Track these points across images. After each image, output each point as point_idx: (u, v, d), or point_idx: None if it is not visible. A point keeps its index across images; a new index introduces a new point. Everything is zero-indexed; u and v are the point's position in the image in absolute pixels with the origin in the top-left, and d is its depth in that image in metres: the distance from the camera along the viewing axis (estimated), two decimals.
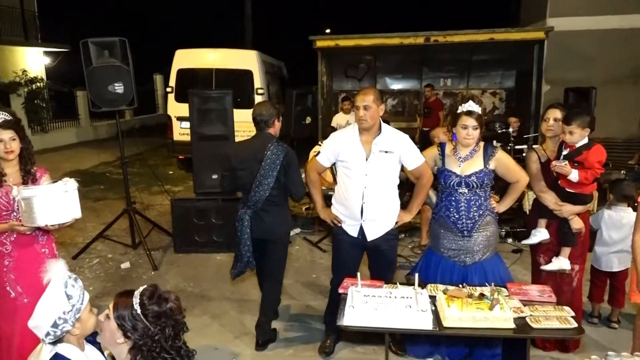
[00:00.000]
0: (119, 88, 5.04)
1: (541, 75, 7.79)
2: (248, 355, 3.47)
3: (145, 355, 1.74)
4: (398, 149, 3.17)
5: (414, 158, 3.20)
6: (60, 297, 1.87)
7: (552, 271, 3.32)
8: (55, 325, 1.84)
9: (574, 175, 3.04)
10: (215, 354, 3.49)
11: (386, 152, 3.14)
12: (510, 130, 6.63)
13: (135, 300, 1.78)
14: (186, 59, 9.59)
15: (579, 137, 3.08)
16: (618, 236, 3.71)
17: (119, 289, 4.54)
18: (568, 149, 3.12)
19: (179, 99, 9.08)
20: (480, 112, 2.99)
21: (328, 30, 23.04)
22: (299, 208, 7.18)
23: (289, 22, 25.21)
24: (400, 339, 3.43)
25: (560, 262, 3.29)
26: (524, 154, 6.19)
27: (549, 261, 3.34)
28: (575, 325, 2.55)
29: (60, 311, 1.85)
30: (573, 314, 2.66)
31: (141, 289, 1.82)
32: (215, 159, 5.43)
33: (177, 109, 9.25)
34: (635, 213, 3.76)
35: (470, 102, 3.01)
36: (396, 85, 10.42)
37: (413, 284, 2.74)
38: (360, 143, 3.15)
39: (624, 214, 3.75)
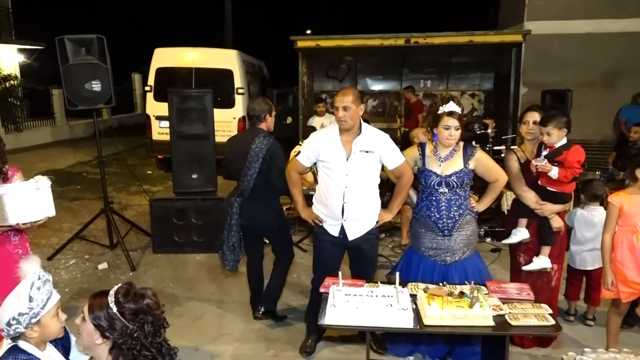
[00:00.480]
0: (96, 86, 4.95)
1: (519, 77, 7.91)
2: (228, 357, 3.43)
3: (126, 354, 1.71)
4: (378, 149, 3.17)
5: (394, 158, 3.21)
6: (23, 297, 1.84)
7: (533, 271, 3.35)
8: (8, 324, 1.82)
9: (554, 172, 3.09)
10: (195, 355, 3.45)
11: (367, 151, 3.14)
12: (489, 131, 6.71)
13: (111, 299, 1.75)
14: (165, 57, 9.49)
15: (556, 137, 3.14)
16: (590, 235, 3.79)
17: (96, 290, 4.47)
18: (548, 149, 3.18)
19: (158, 98, 8.98)
20: (460, 113, 3.03)
21: (309, 31, 23.04)
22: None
23: (270, 22, 25.17)
24: (381, 338, 3.44)
25: (541, 261, 3.34)
26: (502, 155, 6.30)
27: (529, 261, 3.38)
28: (553, 322, 2.59)
29: (16, 312, 1.82)
30: (551, 311, 2.70)
31: (116, 287, 1.79)
32: (195, 158, 5.39)
33: (156, 108, 9.14)
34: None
35: (451, 102, 3.05)
36: (377, 86, 10.46)
37: (394, 283, 2.74)
38: (340, 143, 3.14)
39: (595, 213, 3.83)
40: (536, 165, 3.12)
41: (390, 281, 3.04)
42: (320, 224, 3.28)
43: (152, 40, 11.60)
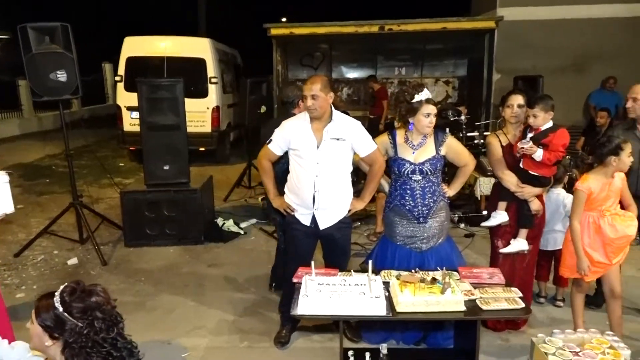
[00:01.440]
0: (61, 76, 4.79)
1: (492, 64, 7.97)
2: (201, 349, 3.39)
3: (78, 353, 1.66)
4: (350, 136, 3.15)
5: (366, 145, 3.18)
6: None
7: (510, 253, 3.39)
8: None
9: (539, 154, 3.11)
10: (168, 349, 3.40)
11: (338, 139, 3.11)
12: (462, 117, 6.75)
13: (56, 299, 1.70)
14: (136, 46, 9.28)
15: (542, 120, 3.16)
16: (549, 216, 3.84)
17: None
18: (533, 132, 3.20)
19: (129, 88, 8.79)
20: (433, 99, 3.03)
21: (284, 19, 22.79)
22: (255, 198, 7.13)
23: (245, 10, 24.77)
24: (355, 326, 3.44)
25: (519, 244, 3.37)
26: (475, 141, 6.35)
27: (506, 244, 3.41)
28: (523, 305, 2.62)
29: None
30: (521, 294, 2.73)
31: (61, 287, 1.74)
32: (167, 149, 5.29)
33: (126, 98, 8.94)
34: (566, 194, 3.93)
35: (426, 90, 3.03)
36: (352, 74, 10.43)
37: (367, 271, 2.74)
38: (311, 131, 3.10)
39: (553, 196, 3.91)
40: (522, 148, 3.12)
41: (364, 270, 3.03)
42: (292, 213, 3.24)
43: (124, 28, 11.33)
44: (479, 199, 6.02)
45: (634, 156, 3.49)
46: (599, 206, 3.08)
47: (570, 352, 2.54)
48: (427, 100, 3.03)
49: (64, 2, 21.70)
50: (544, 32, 8.99)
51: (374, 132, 3.64)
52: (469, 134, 6.58)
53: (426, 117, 3.02)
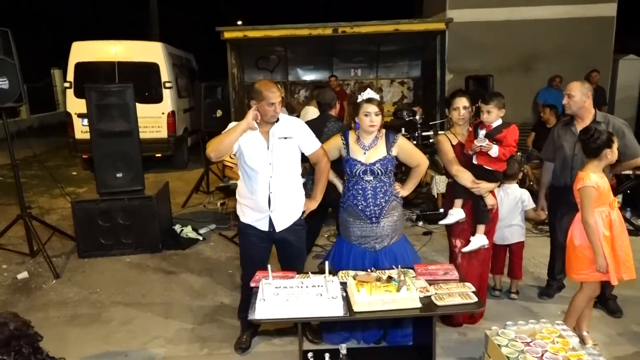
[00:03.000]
0: (2, 83, 4.59)
1: (444, 64, 8.17)
2: None
3: None
4: (296, 134, 3.17)
5: (311, 143, 3.21)
6: None
7: (472, 251, 3.45)
8: None
9: (494, 150, 3.19)
10: None
11: (285, 138, 3.12)
12: (417, 117, 6.87)
13: None
14: (85, 51, 9.00)
15: (495, 117, 3.24)
16: (507, 211, 3.97)
17: (16, 301, 4.20)
18: (485, 129, 3.27)
19: (79, 94, 8.51)
20: (379, 99, 3.06)
21: (240, 22, 22.62)
22: (213, 204, 7.04)
23: (199, 13, 24.45)
24: (316, 328, 3.45)
25: (479, 240, 3.43)
26: (431, 140, 6.49)
27: (465, 242, 3.48)
28: (476, 299, 2.69)
29: None
30: (474, 289, 2.80)
31: None
32: (119, 156, 5.16)
33: (77, 105, 8.65)
34: (521, 190, 4.07)
35: (369, 89, 3.08)
36: (308, 76, 10.48)
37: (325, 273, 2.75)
38: (259, 133, 3.10)
39: (510, 191, 4.02)
40: (480, 146, 3.19)
41: (322, 271, 3.04)
42: (258, 121, 3.06)
43: (73, 33, 10.94)
44: (436, 197, 6.15)
45: (569, 150, 3.67)
46: (607, 199, 3.06)
47: (522, 342, 2.62)
48: (367, 100, 3.06)
49: (6, 6, 20.80)
50: (491, 33, 9.27)
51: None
52: (424, 134, 6.71)
53: (366, 117, 3.06)
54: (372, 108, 3.04)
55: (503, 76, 8.76)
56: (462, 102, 3.42)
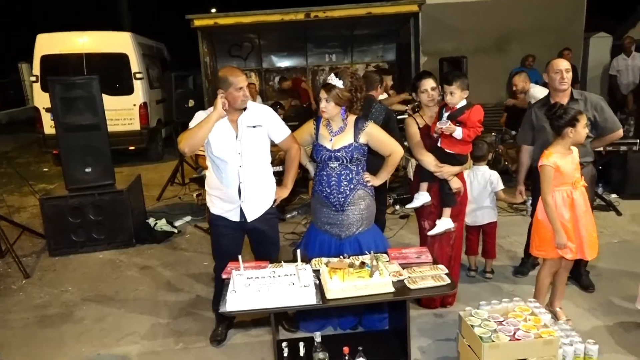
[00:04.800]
0: None
1: (418, 47, 8.13)
2: (133, 357, 3.25)
3: None
4: (266, 123, 3.10)
5: (280, 131, 3.16)
6: None
7: (438, 234, 3.44)
8: None
9: (458, 132, 3.15)
10: None
11: (254, 126, 3.05)
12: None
13: None
14: (51, 44, 8.74)
15: (458, 98, 3.20)
16: (477, 193, 3.97)
17: None
18: (449, 111, 3.24)
19: (46, 88, 8.22)
20: (340, 86, 2.94)
21: (214, 10, 22.21)
22: (189, 195, 6.94)
23: (170, 1, 23.91)
24: (292, 317, 3.42)
25: (444, 223, 3.41)
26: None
27: (433, 225, 3.47)
28: (449, 281, 2.67)
29: None
30: (447, 271, 2.78)
31: None
32: (87, 151, 5.04)
33: (44, 99, 8.35)
34: (490, 171, 4.07)
35: (332, 75, 2.99)
36: (282, 63, 10.33)
37: (302, 261, 2.71)
38: (227, 122, 3.02)
39: (479, 173, 4.02)
40: (441, 128, 3.15)
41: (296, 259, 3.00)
42: (225, 105, 2.97)
43: (41, 25, 10.60)
44: (412, 180, 6.14)
45: (549, 130, 3.65)
46: (570, 179, 3.07)
47: (495, 322, 2.63)
48: (323, 86, 3.01)
49: None
50: (464, 14, 9.23)
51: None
52: (399, 117, 6.68)
53: (320, 102, 3.01)
54: (323, 94, 2.97)
55: (477, 57, 8.75)
56: (429, 83, 3.38)
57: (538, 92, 5.36)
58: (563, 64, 3.56)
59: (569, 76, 3.53)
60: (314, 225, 3.26)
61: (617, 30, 12.21)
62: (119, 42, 8.95)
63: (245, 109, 3.05)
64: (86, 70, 8.41)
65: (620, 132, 3.68)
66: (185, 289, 4.19)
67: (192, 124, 3.04)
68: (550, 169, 3.03)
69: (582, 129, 3.03)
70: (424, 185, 3.45)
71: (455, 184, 3.39)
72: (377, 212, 3.43)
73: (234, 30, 8.57)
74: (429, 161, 3.33)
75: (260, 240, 3.26)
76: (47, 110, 8.45)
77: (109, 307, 3.95)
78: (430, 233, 3.46)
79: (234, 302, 2.53)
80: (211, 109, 3.05)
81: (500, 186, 4.00)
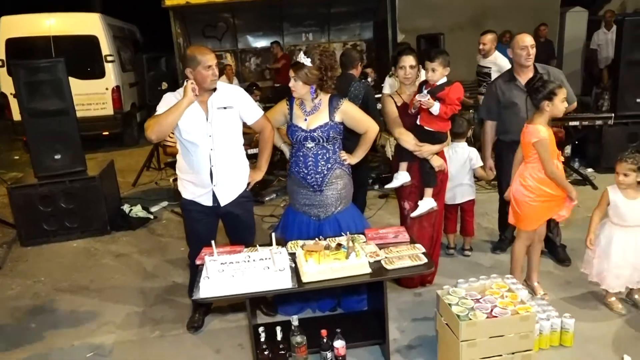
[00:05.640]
0: None
1: (395, 24, 8.06)
2: (108, 346, 3.17)
3: None
4: (237, 104, 3.01)
5: (252, 112, 3.08)
6: None
7: (422, 214, 3.39)
8: None
9: (436, 107, 3.08)
10: (71, 351, 3.15)
11: (225, 108, 2.96)
12: (369, 80, 6.75)
13: None
14: (16, 26, 8.42)
15: (439, 75, 3.14)
16: (456, 170, 3.94)
17: None
18: (429, 88, 3.17)
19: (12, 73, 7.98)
20: (308, 64, 2.87)
21: None
22: (166, 180, 6.80)
23: None
24: (270, 301, 3.37)
25: (427, 203, 3.36)
26: None
27: (413, 205, 3.42)
28: (426, 260, 2.65)
29: None
30: (424, 250, 2.76)
31: None
32: (56, 137, 4.87)
33: (12, 85, 8.09)
34: (470, 148, 4.04)
35: (301, 54, 2.91)
36: (258, 43, 10.16)
37: (278, 244, 2.66)
38: (197, 104, 2.91)
39: (458, 150, 3.99)
40: (420, 101, 3.09)
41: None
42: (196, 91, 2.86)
43: (5, 7, 10.19)
44: (391, 159, 6.10)
45: (522, 106, 3.63)
46: (554, 151, 3.07)
47: (472, 300, 2.62)
48: (293, 65, 2.95)
49: None
50: None
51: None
52: (376, 96, 6.61)
53: (290, 82, 2.95)
54: (292, 73, 2.92)
55: (454, 34, 8.68)
56: (409, 60, 3.29)
57: (503, 61, 5.34)
58: (528, 40, 3.56)
59: (533, 52, 3.55)
60: (292, 207, 3.20)
61: (592, 5, 12.23)
62: (88, 24, 8.66)
63: (215, 89, 2.95)
64: (54, 54, 8.12)
65: (574, 105, 3.74)
66: (161, 275, 4.12)
67: (160, 108, 2.93)
68: (547, 141, 3.01)
69: (559, 103, 3.01)
70: (404, 165, 3.39)
71: (435, 162, 3.33)
72: (357, 192, 3.39)
73: (207, 9, 8.38)
74: (408, 140, 3.27)
75: (234, 225, 3.19)
76: (15, 95, 8.18)
77: (83, 296, 3.85)
78: (413, 215, 3.40)
79: (207, 289, 2.48)
80: (180, 91, 2.95)
81: (480, 163, 3.97)
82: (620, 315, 3.10)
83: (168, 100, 2.94)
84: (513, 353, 2.49)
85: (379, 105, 4.96)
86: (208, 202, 3.06)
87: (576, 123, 5.59)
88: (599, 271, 3.13)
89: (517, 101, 3.63)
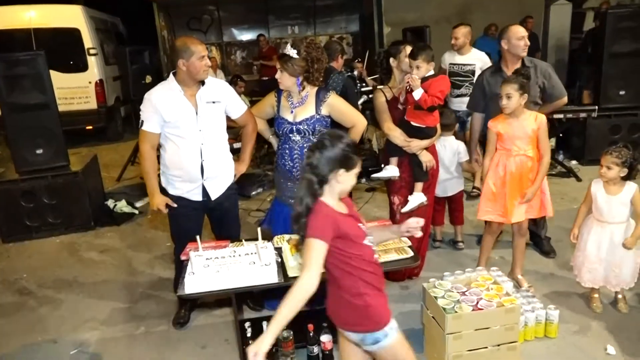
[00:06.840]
0: None
1: (381, 17, 8.04)
2: (92, 343, 3.14)
3: None
4: (224, 98, 3.00)
5: (238, 106, 3.07)
6: None
7: (412, 209, 3.38)
8: None
9: (418, 92, 3.05)
10: (54, 349, 3.11)
11: (213, 102, 2.94)
12: (356, 73, 6.72)
13: None
14: None
15: (425, 71, 3.12)
16: (446, 164, 3.94)
17: None
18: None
19: None
20: (295, 56, 2.85)
21: None
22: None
23: None
24: (257, 296, 3.36)
25: (417, 198, 3.35)
26: (370, 96, 6.38)
27: (403, 200, 3.41)
28: (412, 254, 2.65)
29: None
30: (410, 244, 2.76)
31: None
32: (37, 132, 4.79)
33: None
34: (457, 141, 4.05)
35: (288, 46, 2.89)
36: (244, 36, 10.08)
37: (264, 238, 2.64)
38: (185, 98, 2.88)
39: (447, 143, 3.99)
40: (411, 77, 3.07)
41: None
42: (174, 207, 2.99)
43: None
44: (378, 152, 6.10)
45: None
46: (509, 147, 3.17)
47: (458, 292, 2.63)
48: (279, 57, 2.95)
49: None
50: None
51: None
52: (363, 89, 6.60)
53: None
54: (278, 65, 2.91)
55: (440, 26, 8.68)
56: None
57: (484, 56, 5.39)
58: (522, 30, 3.56)
59: (527, 43, 3.54)
60: (279, 200, 3.18)
61: None
62: (69, 16, 8.50)
63: (203, 83, 2.91)
64: (35, 47, 7.96)
65: (565, 99, 3.72)
66: (146, 271, 4.08)
67: (143, 113, 2.90)
68: (491, 134, 3.15)
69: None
70: (394, 160, 3.38)
71: (424, 157, 3.32)
72: None
73: (191, 2, 8.29)
74: (397, 135, 3.26)
75: (222, 218, 3.17)
76: None
77: (67, 293, 3.80)
78: (403, 210, 3.38)
79: (192, 285, 2.45)
80: (164, 84, 2.93)
81: (467, 157, 3.99)
82: (595, 312, 3.11)
83: (154, 105, 2.86)
84: (498, 345, 2.51)
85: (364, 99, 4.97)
86: (197, 197, 3.03)
87: (560, 115, 5.62)
88: (577, 264, 3.15)
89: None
